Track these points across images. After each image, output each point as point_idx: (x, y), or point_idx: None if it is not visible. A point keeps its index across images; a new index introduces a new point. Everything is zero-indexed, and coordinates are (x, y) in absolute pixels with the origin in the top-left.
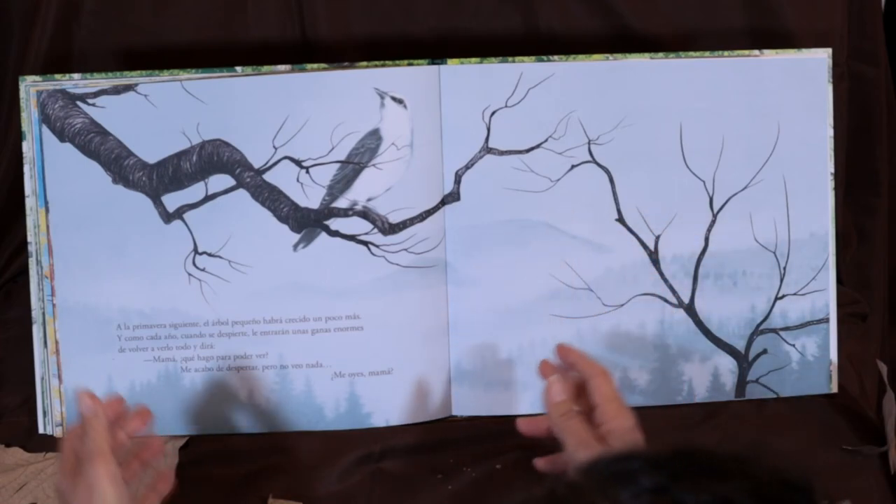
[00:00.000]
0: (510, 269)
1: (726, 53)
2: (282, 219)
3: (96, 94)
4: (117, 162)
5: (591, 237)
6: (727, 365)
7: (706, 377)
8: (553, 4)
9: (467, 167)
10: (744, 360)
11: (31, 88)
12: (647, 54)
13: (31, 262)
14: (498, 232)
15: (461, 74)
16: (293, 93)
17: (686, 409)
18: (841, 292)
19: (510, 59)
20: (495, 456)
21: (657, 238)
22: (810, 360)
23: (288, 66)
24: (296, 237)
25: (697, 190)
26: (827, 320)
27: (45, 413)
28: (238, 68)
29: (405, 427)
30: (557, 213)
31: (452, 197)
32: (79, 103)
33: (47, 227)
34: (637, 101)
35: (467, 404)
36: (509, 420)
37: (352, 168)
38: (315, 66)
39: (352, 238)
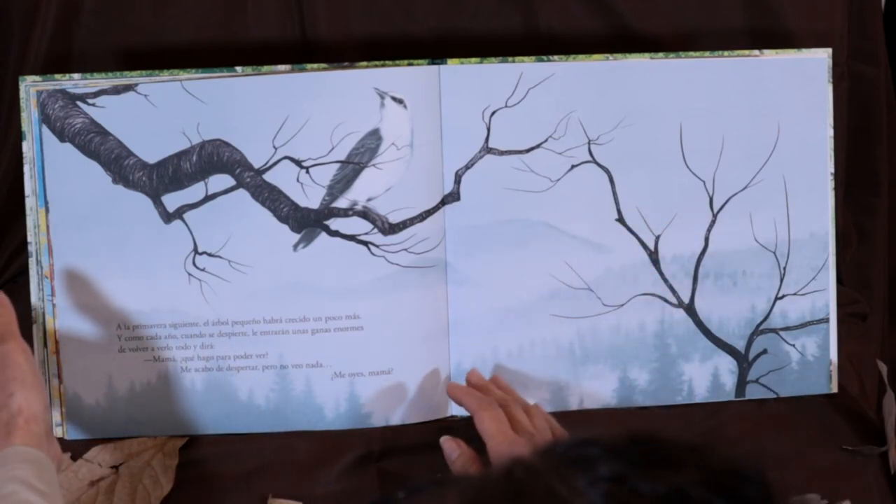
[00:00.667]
0: (510, 269)
1: (726, 53)
2: (282, 219)
3: (96, 94)
4: (117, 162)
5: (591, 237)
6: (727, 365)
7: (706, 377)
8: (553, 4)
9: (467, 167)
10: (744, 360)
11: (31, 88)
12: (647, 54)
13: (31, 262)
14: (498, 232)
15: (461, 74)
16: (293, 93)
17: (685, 408)
18: (841, 292)
19: (510, 59)
20: None
21: (657, 238)
22: (810, 360)
23: (288, 66)
24: (296, 237)
25: (697, 190)
26: (827, 320)
27: None
28: (238, 68)
29: (405, 427)
30: (557, 213)
31: (452, 197)
32: (79, 103)
33: (47, 227)
34: (637, 101)
35: None
36: None
37: (352, 168)
38: (315, 66)
39: (352, 238)
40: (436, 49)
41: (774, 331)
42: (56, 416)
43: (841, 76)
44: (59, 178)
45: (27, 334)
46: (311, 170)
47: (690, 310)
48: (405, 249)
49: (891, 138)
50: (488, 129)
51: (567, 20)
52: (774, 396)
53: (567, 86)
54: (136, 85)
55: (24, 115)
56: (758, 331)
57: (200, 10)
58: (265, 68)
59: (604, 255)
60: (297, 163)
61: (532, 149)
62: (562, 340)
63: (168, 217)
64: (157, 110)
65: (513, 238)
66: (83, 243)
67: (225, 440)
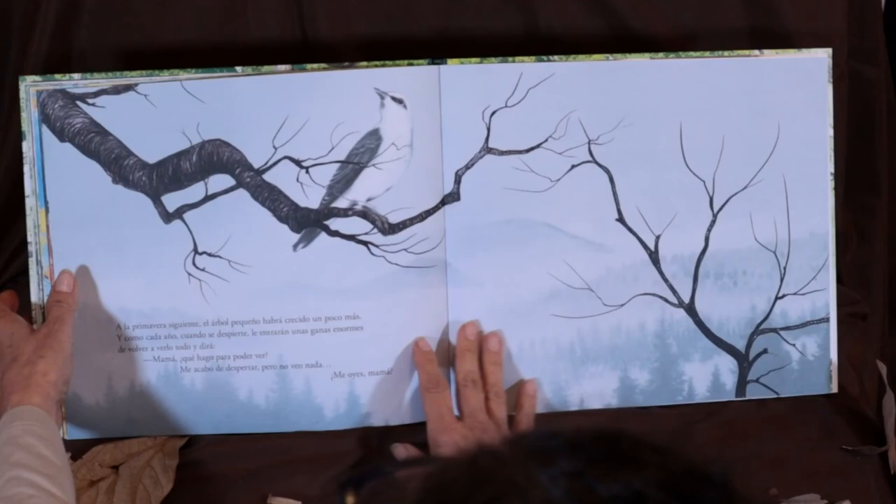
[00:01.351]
0: (510, 269)
1: (726, 53)
2: (282, 219)
3: (96, 94)
4: (117, 162)
5: (591, 237)
6: (727, 364)
7: (706, 377)
8: (553, 4)
9: (467, 167)
10: (744, 360)
11: (31, 88)
12: (647, 54)
13: (31, 262)
14: (498, 232)
15: (461, 74)
16: (293, 93)
17: (685, 408)
18: (841, 292)
19: (510, 59)
20: None
21: (657, 238)
22: (811, 359)
23: (288, 66)
24: (296, 237)
25: (697, 190)
26: (827, 320)
27: None
28: (238, 68)
29: (406, 427)
30: (557, 213)
31: (452, 197)
32: (79, 103)
33: (47, 227)
34: (637, 101)
35: None
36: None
37: (352, 168)
38: (315, 66)
39: (352, 238)
40: (435, 49)
41: (775, 330)
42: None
43: (841, 76)
44: (58, 178)
45: None
46: (310, 170)
47: (691, 309)
48: (405, 249)
49: (891, 138)
50: (488, 129)
51: (567, 20)
52: (775, 396)
53: (567, 86)
54: (136, 85)
55: (23, 115)
56: (758, 330)
57: (200, 11)
58: (265, 68)
59: (604, 254)
60: (297, 163)
61: (532, 149)
62: (562, 340)
63: (168, 217)
64: (157, 110)
65: (513, 238)
66: (83, 243)
67: (225, 440)
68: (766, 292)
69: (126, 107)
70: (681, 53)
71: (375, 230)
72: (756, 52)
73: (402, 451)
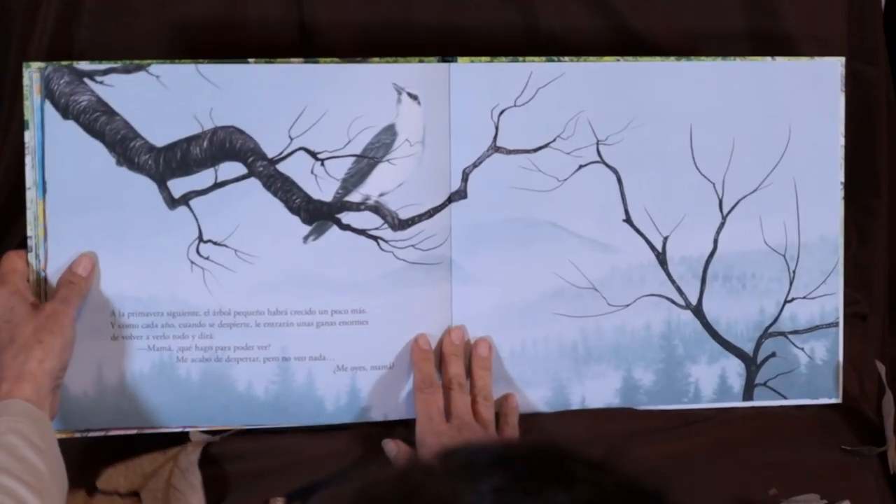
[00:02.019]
0: (515, 267)
1: (738, 59)
2: (293, 210)
3: (105, 72)
4: (123, 143)
5: (597, 237)
6: (735, 367)
7: (713, 379)
8: (553, 4)
9: (475, 165)
10: (752, 363)
11: (34, 73)
12: (658, 57)
13: (31, 257)
14: (504, 230)
15: (471, 72)
16: (312, 83)
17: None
18: None
19: (520, 58)
20: None
21: (665, 239)
22: (819, 363)
23: (300, 60)
24: (306, 229)
25: (707, 192)
26: (836, 324)
27: None
28: (251, 60)
29: (403, 424)
30: (564, 212)
31: (459, 195)
32: (86, 80)
33: (44, 210)
34: (647, 103)
35: None
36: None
37: (366, 162)
38: (328, 60)
39: (362, 232)
40: (435, 47)
41: (783, 334)
42: None
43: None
44: (59, 158)
45: None
46: (326, 162)
47: (698, 311)
48: (412, 246)
49: (891, 138)
50: (496, 128)
51: (567, 20)
52: (783, 401)
53: (577, 86)
54: (149, 65)
55: (26, 103)
56: (766, 334)
57: (200, 11)
58: (278, 60)
59: (610, 255)
60: (313, 154)
61: (540, 148)
62: (565, 338)
63: (173, 203)
64: (169, 92)
65: (518, 237)
66: (81, 226)
67: (226, 441)
68: (774, 295)
69: (136, 87)
70: (692, 57)
71: (386, 225)
72: (769, 58)
73: (392, 446)
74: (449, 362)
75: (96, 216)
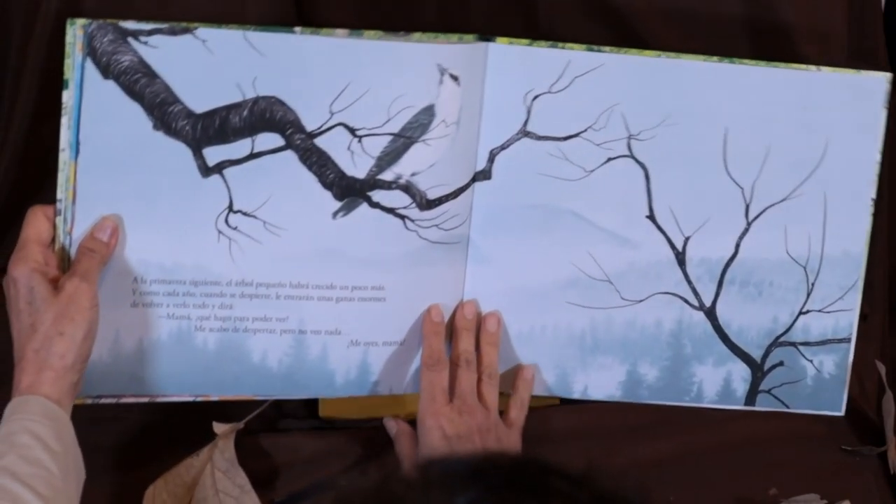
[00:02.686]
0: (531, 252)
1: (781, 65)
2: (326, 185)
3: (150, 33)
4: (161, 107)
5: (618, 231)
6: (741, 372)
7: (717, 381)
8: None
9: (502, 147)
10: (758, 370)
11: (77, 30)
12: (700, 56)
13: (59, 220)
14: (524, 215)
15: (509, 54)
16: (359, 60)
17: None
18: None
19: (559, 44)
20: None
21: (686, 239)
22: (826, 377)
23: (346, 31)
24: (337, 205)
25: (735, 196)
26: (849, 340)
27: None
28: (297, 28)
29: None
30: (587, 203)
31: (483, 175)
32: (130, 40)
33: (75, 171)
34: (684, 101)
35: None
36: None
37: (402, 142)
38: (372, 32)
39: (391, 211)
40: None
41: (794, 344)
42: None
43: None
44: (95, 118)
45: None
46: (363, 139)
47: (711, 314)
48: (436, 226)
49: (890, 138)
50: (528, 113)
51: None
52: (785, 409)
53: (614, 78)
54: (196, 28)
55: (67, 61)
56: (777, 342)
57: (200, 10)
58: (323, 31)
59: (629, 249)
60: (352, 131)
61: (570, 137)
62: (574, 327)
63: (206, 171)
64: (214, 58)
65: (539, 223)
66: (111, 189)
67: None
68: (790, 305)
69: (180, 50)
70: (735, 59)
71: (414, 205)
72: (813, 67)
73: (392, 424)
74: (460, 337)
75: (127, 180)
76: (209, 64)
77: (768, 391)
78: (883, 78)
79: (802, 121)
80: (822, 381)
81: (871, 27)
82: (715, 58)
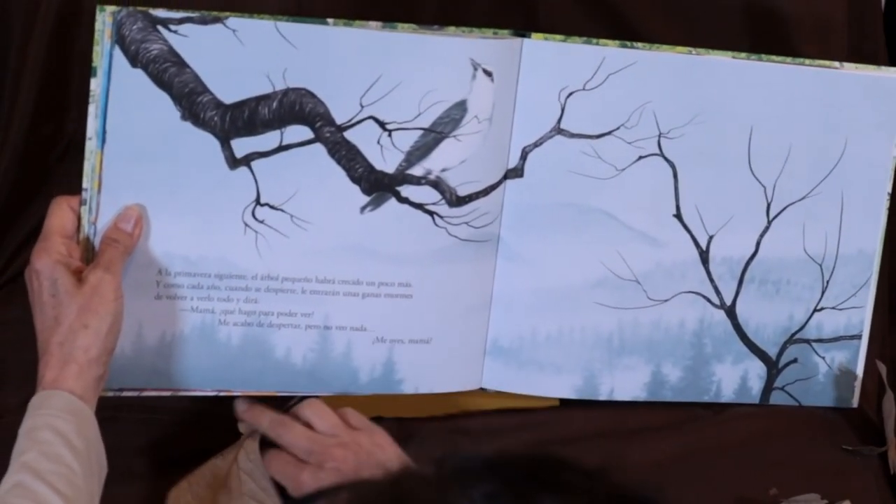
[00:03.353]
0: (561, 251)
1: (807, 62)
2: (355, 179)
3: (180, 21)
4: (190, 97)
5: (647, 230)
6: (756, 370)
7: (735, 379)
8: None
9: (535, 145)
10: (774, 367)
11: (107, 17)
12: (729, 53)
13: (84, 210)
14: (555, 214)
15: (543, 51)
16: (391, 52)
17: (688, 405)
18: None
19: (593, 40)
20: None
21: (710, 238)
22: (837, 373)
23: (379, 24)
24: (365, 199)
25: (757, 195)
26: (860, 336)
27: None
28: (329, 20)
29: (392, 420)
30: (618, 202)
31: (515, 172)
32: (159, 28)
33: (101, 160)
34: (713, 99)
35: (498, 379)
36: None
37: (433, 137)
38: (406, 26)
39: (419, 207)
40: None
41: (808, 341)
42: None
43: None
44: (122, 107)
45: (28, 334)
46: (393, 133)
47: (731, 312)
48: (466, 223)
49: None
50: (562, 110)
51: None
52: (796, 405)
53: (647, 76)
54: (226, 18)
55: (96, 48)
56: (791, 339)
57: (199, 9)
58: (356, 24)
59: (657, 249)
60: (382, 124)
61: (603, 135)
62: (602, 328)
63: (234, 163)
64: (244, 48)
65: (569, 222)
66: (137, 179)
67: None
68: (805, 303)
69: (210, 39)
70: (763, 56)
71: (443, 201)
72: (836, 63)
73: (242, 404)
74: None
75: (153, 170)
76: (239, 54)
77: (782, 388)
78: None
79: (824, 119)
80: (832, 376)
81: (871, 27)
82: (743, 55)
